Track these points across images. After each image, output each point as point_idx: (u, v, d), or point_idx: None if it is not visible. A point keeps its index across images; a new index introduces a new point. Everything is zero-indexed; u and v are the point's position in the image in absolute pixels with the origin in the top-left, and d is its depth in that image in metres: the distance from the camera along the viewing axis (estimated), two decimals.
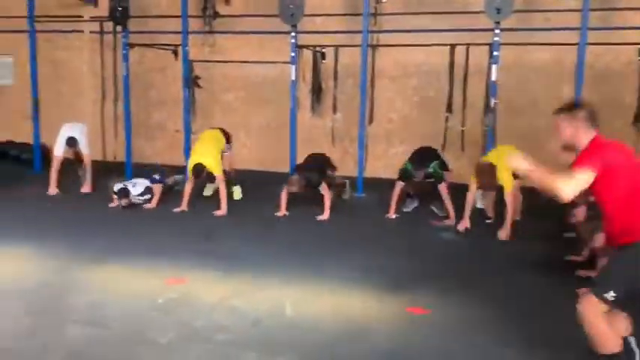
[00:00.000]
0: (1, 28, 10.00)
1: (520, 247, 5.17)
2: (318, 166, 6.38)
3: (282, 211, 6.17)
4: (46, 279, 4.18)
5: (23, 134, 9.98)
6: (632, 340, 2.77)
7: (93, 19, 9.50)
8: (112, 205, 6.43)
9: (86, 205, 6.70)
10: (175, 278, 4.21)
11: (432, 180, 6.10)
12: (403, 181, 6.15)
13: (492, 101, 6.84)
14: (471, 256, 5.04)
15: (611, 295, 2.60)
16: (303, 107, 8.50)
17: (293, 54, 7.52)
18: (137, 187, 6.51)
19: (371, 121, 7.81)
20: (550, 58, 7.91)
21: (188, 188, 6.40)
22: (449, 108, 7.44)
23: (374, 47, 7.91)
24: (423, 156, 6.28)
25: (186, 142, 8.26)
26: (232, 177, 7.11)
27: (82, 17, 9.71)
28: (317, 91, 8.50)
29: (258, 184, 7.71)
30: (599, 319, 2.63)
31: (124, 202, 6.33)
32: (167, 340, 3.24)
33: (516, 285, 4.28)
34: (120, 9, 7.94)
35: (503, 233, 5.36)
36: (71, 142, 7.12)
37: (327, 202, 6.06)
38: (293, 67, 7.56)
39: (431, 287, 4.16)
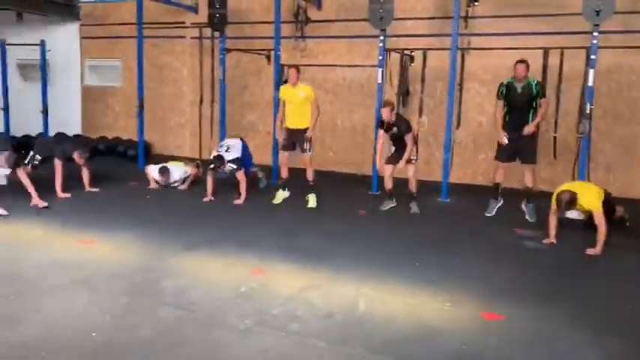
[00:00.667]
0: (112, 34, 10.99)
1: (608, 260, 4.93)
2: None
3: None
4: (144, 264, 4.57)
5: (129, 132, 10.87)
6: None
7: (193, 25, 10.11)
8: (205, 199, 6.90)
9: (183, 198, 7.18)
10: (258, 269, 4.46)
11: None
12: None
13: (587, 107, 6.55)
14: (553, 266, 4.87)
15: None
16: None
17: (381, 57, 7.61)
18: (231, 151, 6.99)
19: (458, 125, 7.71)
20: None
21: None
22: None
23: (463, 50, 7.79)
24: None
25: (274, 140, 8.59)
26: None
27: (185, 23, 10.39)
28: (404, 94, 8.52)
29: (342, 186, 7.89)
30: None
31: (218, 167, 6.83)
32: (245, 326, 3.46)
33: (601, 296, 4.12)
34: (218, 16, 8.41)
35: (594, 250, 5.10)
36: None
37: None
38: (380, 71, 7.65)
39: (507, 294, 4.11)
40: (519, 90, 6.19)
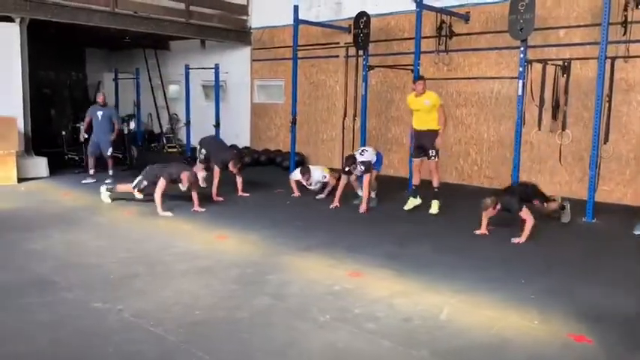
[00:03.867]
0: (277, 57, 12.12)
1: None
2: (523, 192, 6.21)
3: (482, 230, 6.14)
4: (260, 259, 5.12)
5: (288, 144, 11.83)
6: None
7: (346, 44, 10.71)
8: (331, 206, 7.36)
9: (316, 205, 7.72)
10: (356, 272, 4.73)
11: None
12: None
13: None
14: None
15: None
16: (544, 125, 8.17)
17: (521, 69, 7.35)
18: (364, 154, 7.39)
19: (606, 140, 7.10)
20: None
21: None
22: None
23: (614, 59, 7.16)
24: None
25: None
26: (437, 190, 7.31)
27: (339, 43, 11.07)
28: (554, 107, 8.07)
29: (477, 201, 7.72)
30: None
31: (351, 167, 7.26)
32: (324, 319, 3.76)
33: None
34: (361, 35, 8.86)
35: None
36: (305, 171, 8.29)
37: (528, 227, 5.80)
38: (520, 82, 7.39)
39: (608, 320, 3.80)
40: None
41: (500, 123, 9.19)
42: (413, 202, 7.34)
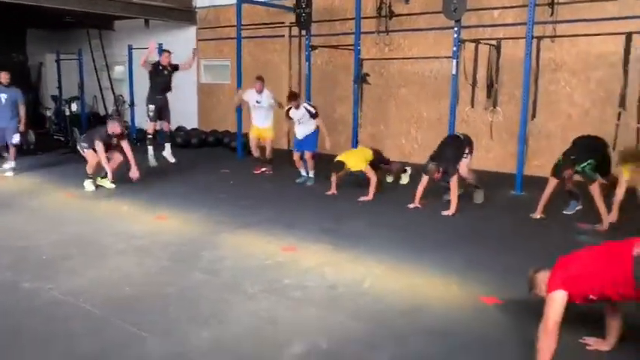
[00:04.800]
0: (222, 36, 12.03)
1: None
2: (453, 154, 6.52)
3: (416, 203, 6.43)
4: (197, 237, 5.22)
5: (235, 125, 11.85)
6: None
7: (281, 24, 10.71)
8: (327, 192, 7.24)
9: (260, 183, 7.81)
10: (291, 246, 4.89)
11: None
12: (555, 177, 5.84)
13: None
14: None
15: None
16: (478, 103, 8.48)
17: (455, 48, 7.60)
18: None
19: (534, 116, 7.46)
20: None
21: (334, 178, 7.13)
22: (622, 103, 6.73)
23: (540, 39, 7.49)
24: (581, 150, 5.83)
25: (354, 133, 8.94)
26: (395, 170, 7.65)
27: (284, 23, 11.08)
28: (489, 85, 8.37)
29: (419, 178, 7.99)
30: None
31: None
32: (253, 290, 3.91)
33: None
34: (303, 15, 8.93)
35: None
36: None
37: (454, 194, 6.21)
38: (454, 62, 7.64)
39: (520, 284, 4.07)
40: None
41: (440, 102, 9.45)
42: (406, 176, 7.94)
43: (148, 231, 5.41)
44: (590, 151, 5.72)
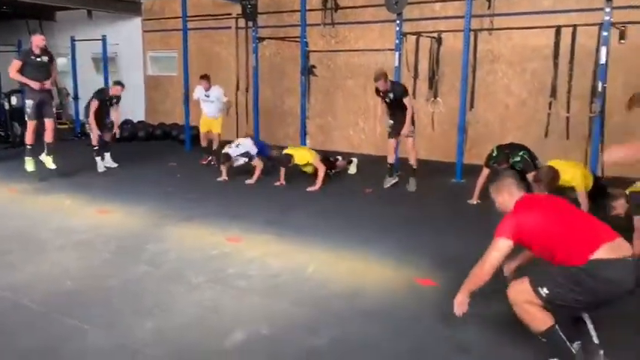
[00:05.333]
0: (168, 28, 11.87)
1: None
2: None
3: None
4: (141, 230, 5.21)
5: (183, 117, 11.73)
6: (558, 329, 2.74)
7: (228, 15, 10.66)
8: (219, 179, 7.47)
9: (206, 178, 7.80)
10: (236, 237, 4.96)
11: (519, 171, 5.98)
12: (488, 167, 6.13)
13: (600, 86, 6.40)
14: None
15: (544, 291, 2.68)
16: (421, 94, 8.72)
17: (397, 41, 7.79)
18: (239, 148, 7.48)
19: (472, 106, 7.76)
20: None
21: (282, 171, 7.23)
22: (553, 93, 7.08)
23: (477, 32, 7.78)
24: (512, 146, 6.16)
25: (302, 125, 9.03)
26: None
27: (232, 14, 11.03)
28: (430, 77, 8.61)
29: (367, 168, 8.17)
30: (528, 304, 2.74)
31: (227, 164, 7.42)
32: (197, 281, 3.97)
33: None
34: (249, 6, 8.94)
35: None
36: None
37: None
38: (397, 54, 7.84)
39: (455, 266, 4.29)
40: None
41: None
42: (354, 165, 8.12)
43: (91, 225, 5.36)
44: (521, 147, 6.03)
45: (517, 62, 8.42)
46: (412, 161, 6.91)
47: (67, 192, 6.72)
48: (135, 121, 12.30)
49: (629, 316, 3.35)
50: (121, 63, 13.05)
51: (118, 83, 8.31)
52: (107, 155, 8.28)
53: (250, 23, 9.49)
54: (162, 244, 4.80)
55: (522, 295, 2.75)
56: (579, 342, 2.82)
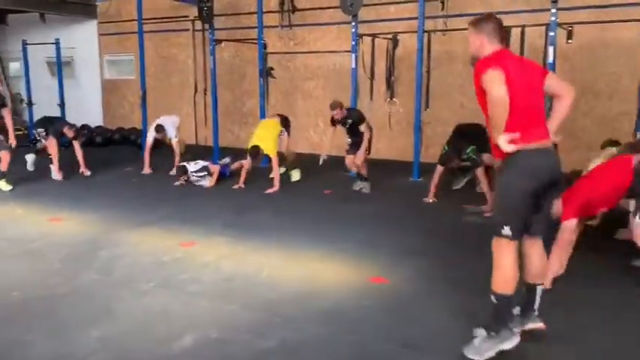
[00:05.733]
0: (124, 30, 11.69)
1: None
2: None
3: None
4: (94, 237, 5.12)
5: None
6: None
7: (186, 18, 10.59)
8: (176, 183, 7.39)
9: (162, 182, 7.70)
10: (189, 242, 4.92)
11: (470, 164, 6.14)
12: (442, 165, 6.24)
13: None
14: (472, 237, 5.05)
15: (507, 230, 2.77)
16: (379, 95, 8.80)
17: (353, 42, 7.86)
18: (197, 165, 7.38)
19: (427, 106, 7.89)
20: (633, 36, 7.34)
21: (246, 167, 7.16)
22: None
23: (430, 33, 7.92)
24: (462, 139, 6.28)
25: None
26: (290, 160, 7.68)
27: (189, 17, 10.93)
28: (387, 78, 8.71)
29: (327, 169, 8.18)
30: (504, 258, 2.82)
31: (182, 178, 7.29)
32: (148, 287, 3.92)
33: None
34: (205, 9, 8.88)
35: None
36: (159, 128, 8.14)
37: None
38: (353, 55, 7.91)
39: (409, 263, 4.37)
40: None
41: (343, 94, 9.68)
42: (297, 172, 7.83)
43: (42, 233, 5.24)
44: (470, 139, 6.14)
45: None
46: (363, 172, 6.98)
47: (19, 201, 6.56)
48: (92, 126, 12.10)
49: (605, 305, 3.48)
50: (77, 67, 12.80)
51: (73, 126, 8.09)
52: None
53: (207, 25, 9.41)
54: (115, 251, 4.72)
55: (498, 249, 2.84)
56: (518, 308, 3.00)
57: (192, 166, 7.41)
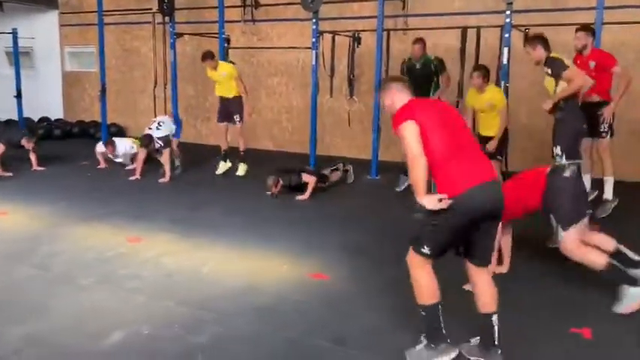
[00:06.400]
0: (86, 22, 11.47)
1: None
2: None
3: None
4: (37, 232, 5.02)
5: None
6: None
7: (148, 10, 10.41)
8: (131, 178, 7.30)
9: (117, 177, 7.56)
10: (136, 237, 4.85)
11: None
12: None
13: (502, 85, 6.67)
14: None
15: (426, 250, 2.77)
16: (340, 92, 8.82)
17: (314, 39, 7.86)
18: (161, 128, 7.34)
19: None
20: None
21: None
22: (459, 93, 7.34)
23: (389, 31, 7.96)
24: None
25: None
26: (241, 155, 7.65)
27: (152, 9, 10.76)
28: (348, 76, 8.72)
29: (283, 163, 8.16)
30: (419, 272, 2.81)
31: (149, 147, 7.28)
32: (87, 282, 3.87)
33: None
34: (166, 1, 8.76)
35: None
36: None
37: (310, 186, 6.44)
38: (314, 52, 7.90)
39: (351, 261, 4.39)
40: (418, 66, 6.47)
41: (307, 91, 9.70)
42: (224, 166, 7.73)
43: None
44: None
45: None
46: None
47: None
48: (52, 119, 11.85)
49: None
50: (36, 58, 12.51)
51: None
52: None
53: (167, 19, 9.29)
54: (57, 246, 4.64)
55: (413, 262, 2.83)
56: (478, 338, 2.93)
57: (155, 131, 7.28)
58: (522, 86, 7.58)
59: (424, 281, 2.82)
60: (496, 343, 2.85)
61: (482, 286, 2.88)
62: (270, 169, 6.86)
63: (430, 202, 2.65)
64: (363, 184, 7.35)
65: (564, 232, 3.58)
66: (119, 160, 8.09)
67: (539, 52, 4.83)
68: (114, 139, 8.16)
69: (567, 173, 3.74)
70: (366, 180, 7.56)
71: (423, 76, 6.46)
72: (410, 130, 2.72)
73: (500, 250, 3.96)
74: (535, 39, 4.90)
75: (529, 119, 7.81)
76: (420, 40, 6.50)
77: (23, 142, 7.60)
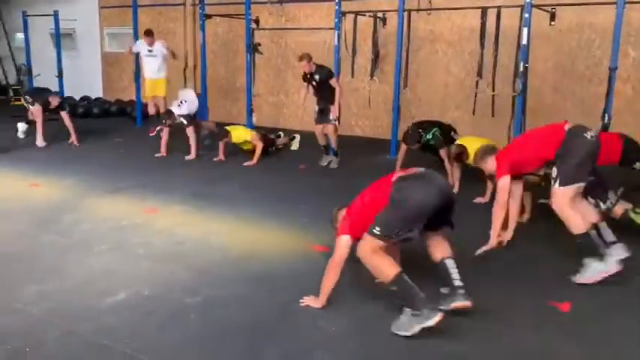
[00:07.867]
0: (124, 4, 11.85)
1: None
2: None
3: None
4: (62, 202, 5.38)
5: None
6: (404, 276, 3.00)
7: None
8: (157, 155, 7.57)
9: (147, 153, 7.88)
10: (152, 209, 5.14)
11: (433, 147, 6.25)
12: (405, 143, 6.39)
13: (522, 65, 6.61)
14: None
15: (377, 231, 2.95)
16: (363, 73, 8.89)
17: (337, 20, 7.94)
18: (182, 106, 7.56)
19: (405, 85, 7.97)
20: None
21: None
22: (479, 73, 7.31)
23: (410, 12, 7.94)
24: (426, 123, 6.45)
25: (247, 101, 9.15)
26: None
27: None
28: (374, 57, 8.77)
29: (310, 145, 8.32)
30: (371, 253, 2.96)
31: (168, 122, 7.45)
32: (100, 249, 4.16)
33: None
34: None
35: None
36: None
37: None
38: (336, 33, 7.99)
39: None
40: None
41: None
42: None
43: (17, 198, 5.51)
44: (433, 123, 6.37)
45: (457, 42, 8.61)
46: (333, 145, 7.13)
47: (6, 167, 6.85)
48: (92, 97, 12.37)
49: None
50: (78, 39, 13.03)
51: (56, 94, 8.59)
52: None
53: (198, 0, 9.54)
54: (79, 215, 4.97)
55: (364, 246, 3.02)
56: (447, 287, 3.14)
57: (176, 108, 7.51)
58: (545, 67, 7.46)
59: (377, 261, 3.02)
60: (458, 288, 3.08)
61: (433, 239, 3.22)
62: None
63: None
64: (381, 163, 7.44)
65: (560, 187, 3.66)
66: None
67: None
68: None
69: (589, 135, 3.75)
70: (384, 159, 7.65)
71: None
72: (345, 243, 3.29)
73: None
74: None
75: (552, 100, 7.71)
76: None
77: (50, 98, 8.07)
